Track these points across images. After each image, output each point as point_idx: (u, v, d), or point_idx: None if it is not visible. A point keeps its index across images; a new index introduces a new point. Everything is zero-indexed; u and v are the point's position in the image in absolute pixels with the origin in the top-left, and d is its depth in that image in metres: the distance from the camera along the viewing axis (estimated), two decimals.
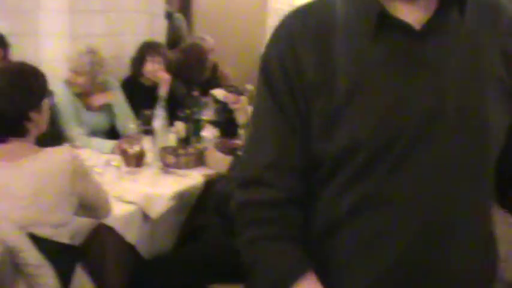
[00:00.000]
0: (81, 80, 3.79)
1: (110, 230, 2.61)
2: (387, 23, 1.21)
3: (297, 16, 1.33)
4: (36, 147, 2.32)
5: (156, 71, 4.32)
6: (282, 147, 1.28)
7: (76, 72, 3.78)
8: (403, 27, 1.21)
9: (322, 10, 1.30)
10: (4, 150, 2.25)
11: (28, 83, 2.29)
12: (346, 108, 1.20)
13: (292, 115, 1.26)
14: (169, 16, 5.82)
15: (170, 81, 4.30)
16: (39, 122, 2.32)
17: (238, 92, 3.72)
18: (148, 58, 4.35)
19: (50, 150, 2.30)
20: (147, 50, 4.39)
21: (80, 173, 2.32)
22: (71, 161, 2.27)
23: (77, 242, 2.56)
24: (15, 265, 2.05)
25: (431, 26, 1.21)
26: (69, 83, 3.83)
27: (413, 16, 1.22)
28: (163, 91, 4.20)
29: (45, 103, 2.35)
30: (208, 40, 5.51)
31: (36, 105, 2.29)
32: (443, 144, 1.19)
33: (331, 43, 1.24)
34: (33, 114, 2.27)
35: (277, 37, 1.33)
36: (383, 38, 1.21)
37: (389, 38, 1.21)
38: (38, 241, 2.13)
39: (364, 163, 1.20)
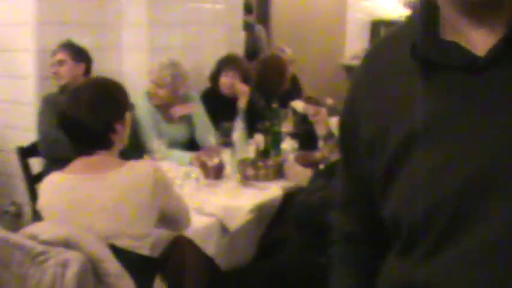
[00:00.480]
0: (162, 92, 3.83)
1: (189, 242, 2.60)
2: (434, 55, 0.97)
3: (364, 59, 1.15)
4: (120, 160, 2.35)
5: (231, 84, 4.33)
6: (348, 197, 1.27)
7: (157, 84, 3.82)
8: (458, 57, 0.94)
9: (387, 46, 1.12)
10: (91, 163, 2.29)
11: (113, 95, 2.34)
12: (393, 173, 1.02)
13: (354, 172, 1.18)
14: (249, 27, 5.83)
15: (249, 93, 4.30)
16: (123, 134, 2.36)
17: (318, 103, 3.68)
18: (223, 72, 4.37)
19: (133, 163, 2.32)
20: (222, 64, 4.42)
21: (162, 186, 2.33)
22: (153, 174, 2.29)
23: (156, 253, 2.56)
24: (96, 275, 2.07)
25: (498, 53, 0.91)
26: (150, 95, 3.88)
27: (477, 40, 0.94)
28: (242, 103, 4.21)
29: (128, 115, 2.39)
30: (288, 51, 5.49)
31: (120, 117, 2.33)
32: (498, 219, 0.90)
33: (387, 89, 1.05)
34: (118, 126, 2.31)
35: (348, 85, 1.19)
36: (434, 77, 0.96)
37: (442, 75, 0.96)
38: (119, 252, 2.15)
39: (405, 242, 1.02)
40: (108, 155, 2.31)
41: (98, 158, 2.30)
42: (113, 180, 2.25)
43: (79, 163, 2.31)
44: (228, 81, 4.34)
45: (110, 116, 2.29)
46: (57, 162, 3.40)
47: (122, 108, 2.36)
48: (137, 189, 2.26)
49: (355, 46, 7.87)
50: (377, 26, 8.02)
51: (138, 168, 2.30)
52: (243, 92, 4.27)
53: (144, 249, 2.28)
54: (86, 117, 2.25)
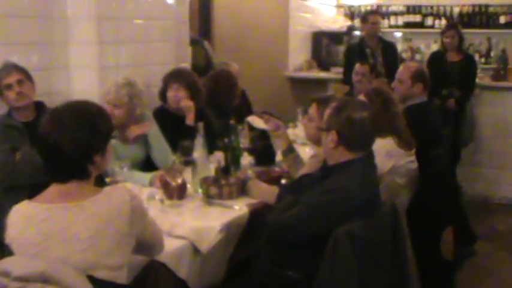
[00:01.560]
0: (118, 112, 3.76)
1: (162, 266, 2.57)
2: None
3: None
4: (95, 188, 2.27)
5: (177, 98, 4.28)
6: None
7: (114, 104, 3.75)
8: None
9: None
10: (64, 191, 2.20)
11: (95, 123, 2.22)
12: None
13: None
14: (196, 42, 5.80)
15: (202, 108, 4.28)
16: (101, 165, 2.28)
17: (275, 118, 3.69)
18: (169, 86, 4.32)
19: (109, 191, 2.25)
20: (168, 78, 4.37)
21: (139, 214, 2.28)
22: (130, 202, 2.22)
23: (129, 279, 2.51)
24: None
25: None
26: None
27: None
28: (189, 119, 4.17)
29: (110, 145, 2.31)
30: (234, 66, 5.49)
31: (101, 148, 2.23)
32: None
33: None
34: (97, 157, 2.22)
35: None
36: None
37: None
38: (98, 283, 2.09)
39: None
40: (84, 182, 2.23)
41: (73, 185, 2.20)
42: (89, 209, 2.16)
43: (52, 191, 2.21)
44: (173, 95, 4.29)
45: (89, 146, 2.19)
46: (13, 190, 3.32)
47: (104, 137, 2.26)
48: (114, 218, 2.18)
49: (298, 58, 7.93)
50: (319, 38, 8.12)
51: (114, 196, 2.23)
52: (188, 108, 4.23)
53: (122, 278, 2.23)
54: (68, 144, 2.14)
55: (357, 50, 6.58)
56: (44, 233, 2.13)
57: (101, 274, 2.14)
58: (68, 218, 2.14)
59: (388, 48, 6.59)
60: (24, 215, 2.18)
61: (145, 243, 2.38)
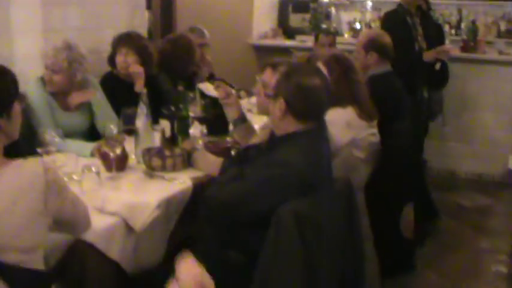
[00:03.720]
0: (57, 78, 3.51)
1: (89, 246, 2.32)
2: None
3: None
4: (3, 160, 2.02)
5: (125, 63, 4.05)
6: None
7: (53, 70, 3.49)
8: None
9: None
10: None
11: None
12: None
13: None
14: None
15: (154, 74, 4.03)
16: (8, 129, 2.04)
17: (228, 86, 3.45)
18: (118, 51, 4.07)
19: (19, 163, 2.00)
20: (116, 42, 4.13)
21: (55, 189, 2.03)
22: (43, 176, 1.98)
23: (52, 262, 2.27)
24: None
25: None
26: (44, 82, 3.54)
27: None
28: (138, 86, 3.92)
29: (16, 108, 2.06)
30: (206, 34, 5.22)
31: (3, 111, 2.00)
32: None
33: None
34: (1, 121, 1.99)
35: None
36: None
37: None
38: (3, 269, 1.85)
39: None
40: None
41: None
42: None
43: None
44: (122, 60, 4.05)
45: None
46: None
47: (6, 100, 2.03)
48: (25, 195, 1.94)
49: (263, 25, 7.70)
50: (284, 5, 7.88)
51: (25, 169, 1.99)
52: (137, 74, 3.99)
53: (35, 262, 1.99)
54: None
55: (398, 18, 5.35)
56: None
57: (9, 257, 1.90)
58: None
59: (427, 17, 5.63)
60: None
61: (66, 222, 2.14)
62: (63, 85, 3.54)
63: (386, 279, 3.49)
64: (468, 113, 6.50)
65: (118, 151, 2.94)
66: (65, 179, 2.51)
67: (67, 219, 2.13)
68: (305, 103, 2.44)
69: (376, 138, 3.45)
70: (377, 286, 3.27)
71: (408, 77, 4.53)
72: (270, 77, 2.93)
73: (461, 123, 6.52)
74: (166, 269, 2.57)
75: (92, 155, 3.22)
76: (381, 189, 3.40)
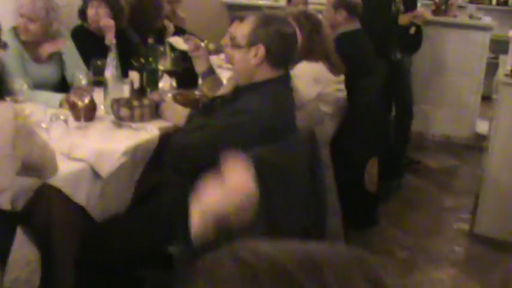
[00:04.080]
0: (33, 27, 3.47)
1: (56, 191, 2.35)
2: None
3: None
4: None
5: (96, 16, 4.02)
6: None
7: (29, 18, 3.45)
8: None
9: None
10: None
11: None
12: None
13: None
14: None
15: (123, 27, 4.02)
16: None
17: (197, 39, 3.46)
18: (90, 3, 4.05)
19: None
20: None
21: (24, 133, 2.06)
22: (13, 120, 2.01)
23: (19, 205, 2.30)
24: None
25: None
26: (16, 32, 3.51)
27: None
28: (109, 39, 3.90)
29: None
30: None
31: None
32: None
33: None
34: None
35: None
36: None
37: None
38: None
39: None
40: None
41: None
42: None
43: None
44: (93, 13, 4.03)
45: None
46: None
47: None
48: None
49: None
50: None
51: None
52: (108, 27, 3.97)
53: (3, 204, 2.03)
54: None
55: None
56: None
57: None
58: None
59: None
60: None
61: (34, 165, 2.17)
62: (38, 34, 3.50)
63: (350, 232, 3.55)
64: (438, 76, 6.55)
65: (86, 100, 2.96)
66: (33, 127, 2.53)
67: (35, 163, 2.16)
68: (284, 49, 2.49)
69: (342, 94, 3.49)
70: (340, 239, 3.34)
71: (382, 37, 4.56)
72: (237, 29, 2.95)
73: (431, 86, 6.57)
74: (132, 215, 2.61)
75: (61, 105, 3.23)
76: (346, 144, 3.46)
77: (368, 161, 3.62)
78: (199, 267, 0.68)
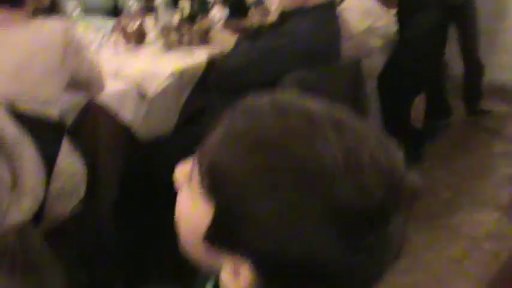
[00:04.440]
0: None
1: (102, 108, 2.41)
2: None
3: None
4: (27, 19, 2.10)
5: None
6: None
7: None
8: None
9: None
10: None
11: None
12: None
13: None
14: None
15: None
16: None
17: None
18: None
19: (42, 22, 2.10)
20: None
21: (73, 47, 2.13)
22: (63, 34, 2.08)
23: (68, 120, 2.38)
24: None
25: None
26: None
27: None
28: None
29: None
30: None
31: None
32: None
33: None
34: None
35: None
36: None
37: None
38: (20, 116, 1.95)
39: None
40: (14, 11, 2.04)
41: (2, 15, 2.03)
42: (17, 39, 2.03)
43: None
44: None
45: None
46: None
47: None
48: (45, 50, 2.05)
49: None
50: None
51: (47, 27, 2.08)
52: None
53: (51, 114, 2.10)
54: None
55: None
56: None
57: (28, 107, 2.01)
58: None
59: None
60: None
61: (82, 80, 2.24)
62: None
63: None
64: (497, 20, 6.37)
65: (137, 25, 3.00)
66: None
67: (83, 78, 2.23)
68: None
69: (393, 28, 3.44)
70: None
71: None
72: None
73: (489, 31, 6.40)
74: (176, 136, 2.67)
75: (112, 29, 3.28)
76: (394, 78, 3.43)
77: (415, 97, 3.59)
78: (238, 104, 0.76)
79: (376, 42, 3.33)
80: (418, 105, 3.66)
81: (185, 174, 0.81)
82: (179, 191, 0.83)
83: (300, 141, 0.69)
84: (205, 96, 2.82)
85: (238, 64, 2.50)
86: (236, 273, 0.75)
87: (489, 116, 5.29)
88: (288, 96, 0.76)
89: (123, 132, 2.54)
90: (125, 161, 2.58)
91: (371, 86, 3.13)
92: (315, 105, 0.74)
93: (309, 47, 2.39)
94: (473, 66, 4.73)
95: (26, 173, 1.88)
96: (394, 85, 3.43)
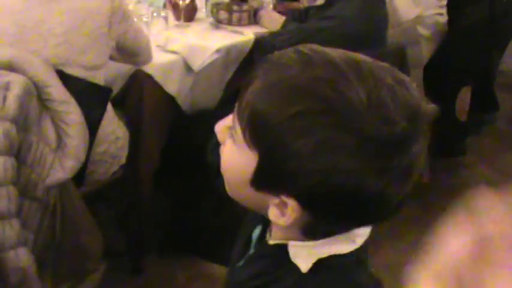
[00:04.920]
0: None
1: (148, 77, 2.48)
2: None
3: None
4: None
5: None
6: None
7: None
8: None
9: None
10: None
11: None
12: None
13: None
14: None
15: None
16: None
17: None
18: None
19: None
20: None
21: (120, 15, 2.19)
22: (110, 1, 2.14)
23: (116, 88, 2.46)
24: (41, 100, 1.96)
25: None
26: None
27: None
28: None
29: None
30: None
31: None
32: None
33: None
34: None
35: None
36: None
37: None
38: (68, 79, 2.03)
39: None
40: None
41: None
42: (66, 4, 2.09)
43: None
44: None
45: None
46: None
47: None
48: (92, 16, 2.12)
49: None
50: None
51: None
52: None
53: (96, 79, 2.17)
54: None
55: None
56: (20, 24, 2.06)
57: (73, 71, 2.09)
58: (45, 12, 2.07)
59: None
60: (1, 6, 2.10)
61: (127, 48, 2.31)
62: None
63: (436, 160, 3.52)
64: None
65: (188, 1, 3.05)
66: (135, 19, 2.64)
67: (129, 46, 2.29)
68: None
69: (443, 19, 3.42)
70: (424, 163, 3.33)
71: None
72: None
73: None
74: (220, 111, 2.71)
75: (164, 5, 3.33)
76: (441, 68, 3.42)
77: (461, 89, 3.56)
78: (267, 59, 0.85)
79: (425, 31, 3.33)
80: (465, 98, 3.62)
81: (226, 129, 0.92)
82: (222, 145, 0.93)
83: (326, 85, 0.78)
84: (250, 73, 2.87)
85: (284, 43, 2.53)
86: (282, 211, 0.85)
87: None
88: (310, 46, 0.85)
89: (168, 103, 2.60)
90: (168, 131, 2.65)
91: (417, 76, 3.13)
92: (334, 53, 0.83)
93: (355, 30, 2.42)
94: None
95: (70, 134, 1.96)
96: (440, 76, 3.41)
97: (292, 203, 0.83)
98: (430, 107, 0.85)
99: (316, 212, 0.85)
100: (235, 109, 0.87)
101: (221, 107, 2.82)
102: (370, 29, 2.47)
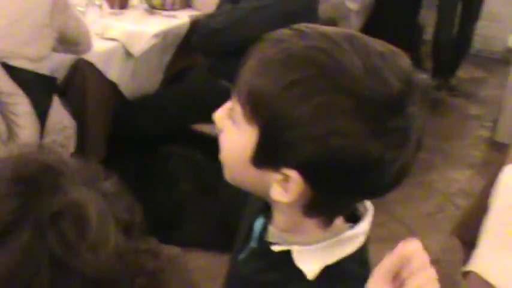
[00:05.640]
0: None
1: (90, 65, 2.51)
2: None
3: None
4: None
5: None
6: None
7: None
8: None
9: None
10: None
11: None
12: None
13: None
14: None
15: None
16: None
17: None
18: None
19: None
20: None
21: (61, 5, 2.21)
22: None
23: (59, 78, 2.48)
24: None
25: None
26: None
27: None
28: None
29: None
30: None
31: None
32: None
33: None
34: None
35: None
36: None
37: None
38: (13, 71, 2.04)
39: None
40: None
41: None
42: None
43: None
44: None
45: None
46: None
47: None
48: (33, 8, 2.13)
49: None
50: None
51: None
52: None
53: (42, 70, 2.19)
54: None
55: None
56: None
57: (18, 63, 2.10)
58: None
59: None
60: None
61: (69, 39, 2.32)
62: None
63: None
64: None
65: None
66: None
67: (70, 35, 2.31)
68: None
69: None
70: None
71: None
72: None
73: None
74: (162, 95, 2.77)
75: None
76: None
77: None
78: (263, 38, 0.87)
79: (353, 5, 3.44)
80: None
81: (224, 114, 0.91)
82: (221, 134, 0.92)
83: (322, 53, 0.80)
84: (189, 57, 2.93)
85: (220, 25, 2.58)
86: (285, 187, 0.85)
87: (465, 81, 5.41)
88: (304, 24, 0.87)
89: (111, 89, 2.64)
90: (113, 117, 2.69)
91: None
92: (328, 28, 0.86)
93: (289, 7, 2.49)
94: (464, 41, 4.90)
95: (21, 124, 1.99)
96: None
97: (294, 175, 0.82)
98: (422, 76, 0.89)
99: (318, 184, 0.84)
100: (233, 91, 0.88)
101: (163, 90, 2.88)
102: (305, 5, 2.55)
